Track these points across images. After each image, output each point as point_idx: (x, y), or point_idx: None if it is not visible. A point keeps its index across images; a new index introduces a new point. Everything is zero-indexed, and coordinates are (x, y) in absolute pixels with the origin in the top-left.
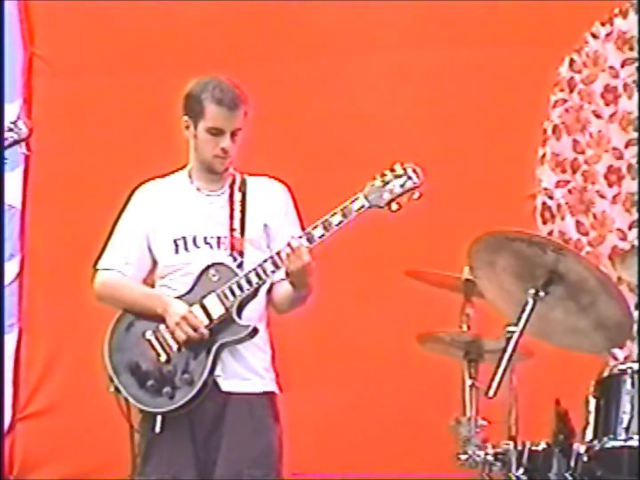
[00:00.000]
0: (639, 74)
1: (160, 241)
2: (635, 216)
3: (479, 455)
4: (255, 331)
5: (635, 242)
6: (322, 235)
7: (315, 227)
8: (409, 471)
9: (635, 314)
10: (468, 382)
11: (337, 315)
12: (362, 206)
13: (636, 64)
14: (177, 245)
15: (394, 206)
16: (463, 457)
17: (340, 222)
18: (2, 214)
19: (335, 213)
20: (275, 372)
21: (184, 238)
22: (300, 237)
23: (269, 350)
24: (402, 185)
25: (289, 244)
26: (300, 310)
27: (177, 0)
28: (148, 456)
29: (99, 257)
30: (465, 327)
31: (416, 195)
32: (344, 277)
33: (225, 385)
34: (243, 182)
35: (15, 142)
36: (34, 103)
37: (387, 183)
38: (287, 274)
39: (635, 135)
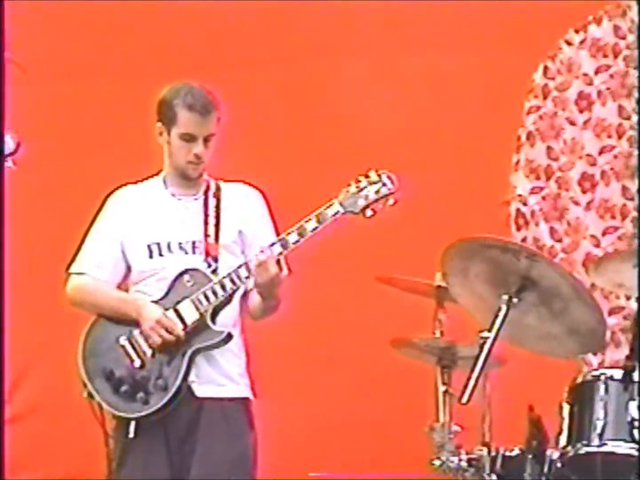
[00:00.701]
0: (639, 73)
1: (134, 246)
2: (608, 222)
3: (452, 461)
4: (229, 337)
5: (609, 249)
6: (297, 241)
7: (290, 233)
8: (385, 472)
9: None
10: (441, 388)
11: (313, 321)
12: (337, 212)
13: (636, 64)
14: (151, 251)
15: (369, 212)
16: (437, 462)
17: (314, 228)
18: (2, 217)
19: (309, 219)
20: (249, 378)
21: (158, 243)
22: (274, 244)
23: (244, 356)
24: (376, 192)
25: (256, 257)
26: (275, 317)
27: (156, 1)
28: (123, 461)
29: (71, 262)
30: (438, 333)
31: (391, 201)
32: (320, 283)
33: (200, 390)
34: (218, 188)
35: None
36: (7, 108)
37: (362, 189)
38: (255, 285)
39: (609, 142)
